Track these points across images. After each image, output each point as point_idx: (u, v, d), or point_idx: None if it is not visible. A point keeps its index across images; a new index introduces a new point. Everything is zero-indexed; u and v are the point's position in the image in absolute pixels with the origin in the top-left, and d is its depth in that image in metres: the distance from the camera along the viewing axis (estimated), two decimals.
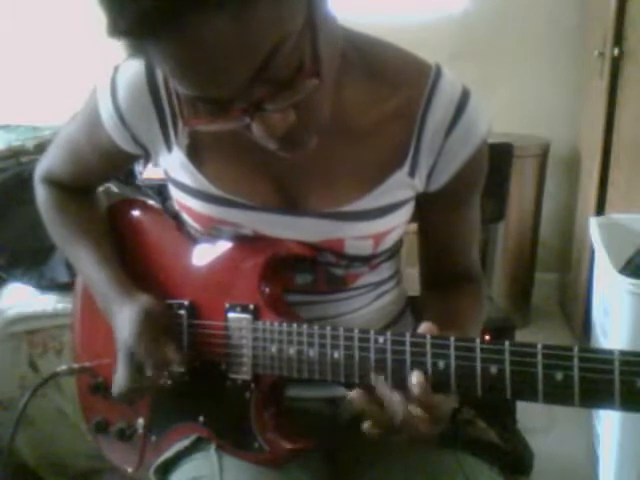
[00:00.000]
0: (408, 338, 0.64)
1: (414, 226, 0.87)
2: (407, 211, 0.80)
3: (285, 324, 0.72)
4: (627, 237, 1.70)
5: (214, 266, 0.82)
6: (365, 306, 0.85)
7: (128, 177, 1.77)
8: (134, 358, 0.77)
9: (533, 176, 2.32)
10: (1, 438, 1.45)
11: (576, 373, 0.55)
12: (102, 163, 0.87)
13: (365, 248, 0.79)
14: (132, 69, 0.76)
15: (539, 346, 0.57)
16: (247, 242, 0.80)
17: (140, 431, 0.87)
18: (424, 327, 0.65)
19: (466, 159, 0.76)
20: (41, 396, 1.48)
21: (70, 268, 1.47)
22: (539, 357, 0.57)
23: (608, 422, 1.50)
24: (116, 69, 0.78)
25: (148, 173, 1.71)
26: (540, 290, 2.57)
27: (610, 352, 0.54)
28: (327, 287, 0.82)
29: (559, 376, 0.56)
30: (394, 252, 0.88)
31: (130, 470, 0.91)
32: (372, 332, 0.66)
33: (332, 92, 0.68)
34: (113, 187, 1.63)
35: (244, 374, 0.77)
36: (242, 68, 0.54)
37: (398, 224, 0.80)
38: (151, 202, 0.99)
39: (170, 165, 0.80)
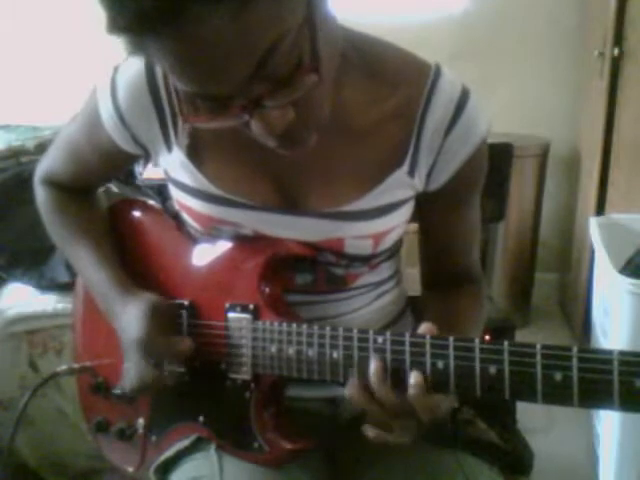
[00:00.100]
0: (407, 338, 0.64)
1: (414, 226, 0.87)
2: (407, 211, 0.80)
3: (285, 324, 0.72)
4: (627, 237, 1.70)
5: (214, 266, 0.82)
6: (365, 306, 0.85)
7: (128, 177, 1.77)
8: (146, 354, 0.76)
9: (533, 176, 2.32)
10: (1, 438, 1.45)
11: (575, 373, 0.55)
12: (102, 163, 0.87)
13: (365, 248, 0.79)
14: (132, 69, 0.76)
15: (538, 346, 0.57)
16: (247, 242, 0.80)
17: (140, 431, 0.87)
18: (424, 327, 0.65)
19: (466, 158, 0.76)
20: (41, 396, 1.48)
21: (70, 268, 1.46)
22: (538, 357, 0.57)
23: (608, 422, 1.51)
24: (116, 69, 0.78)
25: (148, 173, 1.71)
26: (540, 290, 2.57)
27: (609, 352, 0.54)
28: (327, 287, 0.82)
29: (558, 376, 0.56)
30: (394, 252, 0.88)
31: (130, 470, 0.91)
32: (371, 332, 0.66)
33: (332, 91, 0.68)
34: (113, 187, 1.63)
35: (244, 374, 0.77)
36: (241, 65, 0.54)
37: (398, 224, 0.80)
38: (151, 202, 0.99)
39: (170, 165, 0.80)
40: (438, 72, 0.74)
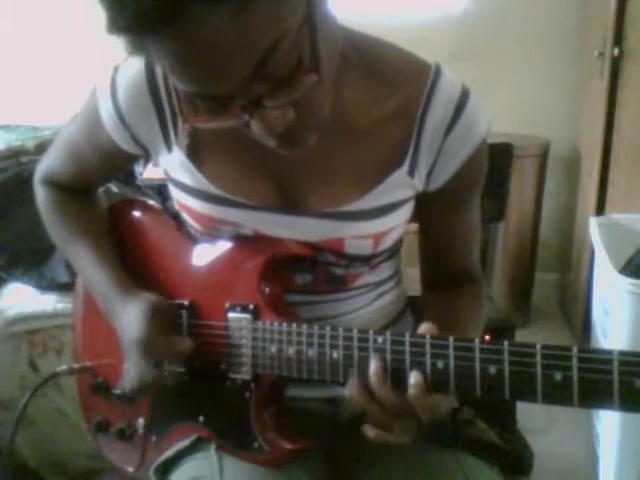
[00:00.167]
0: (407, 338, 0.64)
1: (414, 226, 0.87)
2: (407, 211, 0.80)
3: (285, 324, 0.72)
4: (627, 237, 1.70)
5: (214, 266, 0.82)
6: (365, 306, 0.85)
7: (128, 177, 1.77)
8: (146, 354, 0.76)
9: (533, 176, 2.32)
10: (1, 438, 1.45)
11: (575, 373, 0.55)
12: (102, 163, 0.87)
13: (365, 248, 0.79)
14: (132, 69, 0.76)
15: (538, 346, 0.57)
16: (247, 242, 0.80)
17: (140, 431, 0.87)
18: (424, 327, 0.65)
19: (466, 158, 0.76)
20: (41, 396, 1.48)
21: (70, 268, 1.47)
22: (538, 357, 0.57)
23: (608, 422, 1.51)
24: (116, 69, 0.78)
25: (148, 173, 1.71)
26: (540, 290, 2.57)
27: (609, 352, 0.54)
28: (327, 287, 0.82)
29: (558, 376, 0.56)
30: (394, 252, 0.88)
31: (130, 470, 0.91)
32: (371, 332, 0.66)
33: (332, 91, 0.68)
34: (113, 187, 1.63)
35: (244, 374, 0.77)
36: (241, 64, 0.54)
37: (398, 224, 0.80)
38: (151, 202, 0.99)
39: (170, 165, 0.80)
40: (438, 72, 0.74)
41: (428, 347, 0.63)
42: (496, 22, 2.45)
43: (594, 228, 1.67)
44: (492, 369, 0.59)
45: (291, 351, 0.72)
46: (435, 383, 0.62)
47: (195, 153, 0.78)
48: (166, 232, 0.89)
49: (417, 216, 0.84)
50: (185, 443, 0.82)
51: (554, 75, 2.46)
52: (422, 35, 2.26)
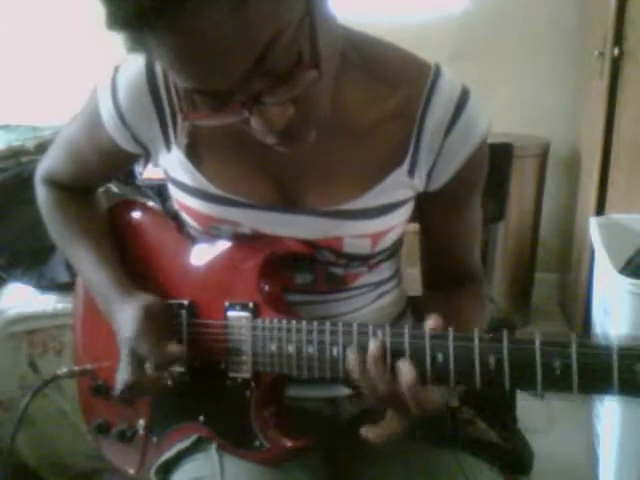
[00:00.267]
0: (407, 331, 0.64)
1: (414, 226, 0.87)
2: (406, 211, 0.80)
3: (284, 321, 0.72)
4: (627, 237, 1.70)
5: (213, 265, 0.82)
6: (365, 306, 0.85)
7: (128, 177, 1.77)
8: (137, 355, 0.77)
9: (533, 176, 2.32)
10: (1, 438, 1.45)
11: (574, 361, 0.55)
12: (102, 163, 0.87)
13: (363, 247, 0.79)
14: (132, 69, 0.76)
15: (537, 336, 0.57)
16: (246, 241, 0.80)
17: (141, 432, 0.87)
18: (432, 322, 0.65)
19: (466, 158, 0.76)
20: (42, 396, 1.47)
21: (70, 268, 1.46)
22: (537, 346, 0.57)
23: (608, 422, 1.51)
24: (116, 69, 0.78)
25: (148, 173, 1.71)
26: (540, 290, 2.57)
27: (608, 342, 0.54)
28: (327, 287, 0.82)
29: (557, 364, 0.56)
30: (393, 252, 0.88)
31: (131, 471, 0.91)
32: (370, 327, 0.66)
33: (331, 90, 0.68)
34: (113, 187, 1.63)
35: (244, 372, 0.77)
36: (240, 59, 0.54)
37: (397, 224, 0.80)
38: (151, 203, 0.99)
39: (169, 164, 0.80)
40: (438, 72, 0.74)
41: (427, 340, 0.63)
42: (496, 22, 2.45)
43: (594, 228, 1.67)
44: (491, 359, 0.59)
45: (291, 348, 0.72)
46: (435, 375, 0.62)
47: (194, 152, 0.78)
48: (165, 233, 0.89)
49: (418, 216, 0.84)
50: (186, 443, 0.82)
51: (554, 75, 2.46)
52: (422, 35, 2.26)
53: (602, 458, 1.57)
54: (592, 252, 1.77)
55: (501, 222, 1.38)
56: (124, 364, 0.78)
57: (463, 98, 0.74)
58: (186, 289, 0.83)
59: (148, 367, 0.77)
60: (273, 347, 0.73)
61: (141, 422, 0.87)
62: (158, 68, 0.75)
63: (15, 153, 1.82)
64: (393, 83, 0.74)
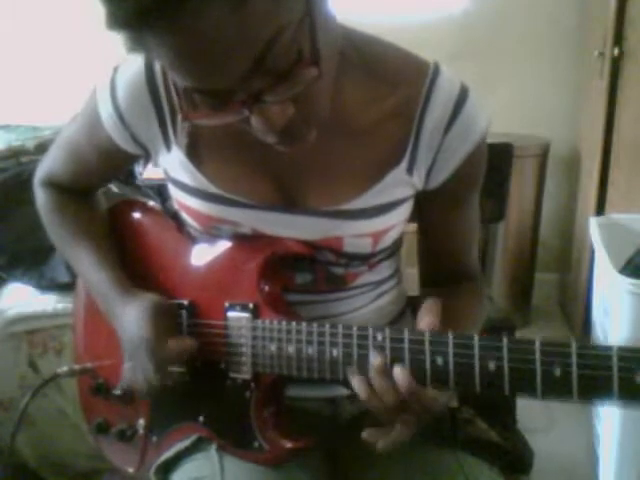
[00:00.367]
0: (407, 335, 0.64)
1: (413, 226, 0.87)
2: (406, 210, 0.80)
3: (284, 322, 0.72)
4: (627, 237, 1.70)
5: (213, 265, 0.82)
6: (365, 306, 0.85)
7: (128, 177, 1.77)
8: (151, 354, 0.76)
9: (533, 176, 2.32)
10: (1, 438, 1.45)
11: (574, 369, 0.55)
12: (102, 163, 0.87)
13: (364, 246, 0.79)
14: (131, 69, 0.76)
15: (537, 342, 0.57)
16: (246, 241, 0.80)
17: (141, 432, 0.87)
18: (425, 322, 0.65)
19: (465, 156, 0.76)
20: (42, 396, 1.47)
21: (70, 268, 1.46)
22: (537, 353, 0.57)
23: (608, 422, 1.50)
24: (115, 69, 0.78)
25: (148, 173, 1.71)
26: (540, 290, 2.57)
27: (608, 348, 0.54)
28: (327, 286, 0.82)
29: (557, 372, 0.56)
30: (393, 251, 0.88)
31: (131, 470, 0.91)
32: (371, 329, 0.66)
33: (331, 89, 0.68)
34: (113, 187, 1.63)
35: (244, 373, 0.77)
36: (240, 58, 0.54)
37: (397, 222, 0.80)
38: (151, 203, 0.99)
39: (169, 164, 0.80)
40: (437, 70, 0.74)
41: (427, 344, 0.63)
42: (496, 22, 2.45)
43: (594, 228, 1.67)
44: (491, 365, 0.59)
45: (291, 349, 0.72)
46: (435, 379, 0.62)
47: (194, 152, 0.78)
48: (165, 233, 0.89)
49: (417, 215, 0.84)
50: (186, 443, 0.82)
51: (554, 75, 2.46)
52: (422, 35, 2.26)
53: (602, 458, 1.57)
54: (592, 252, 1.77)
55: (501, 222, 1.37)
56: (141, 366, 0.77)
57: (462, 96, 0.74)
58: (186, 289, 0.83)
59: (165, 364, 0.76)
60: (273, 348, 0.73)
61: (141, 422, 0.87)
62: (157, 68, 0.75)
63: (15, 153, 1.82)
64: (393, 82, 0.74)
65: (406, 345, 0.64)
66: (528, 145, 2.26)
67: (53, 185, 0.92)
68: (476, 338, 0.60)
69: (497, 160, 1.05)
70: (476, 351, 0.60)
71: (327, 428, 0.86)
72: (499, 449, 0.84)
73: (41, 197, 0.92)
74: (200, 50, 0.53)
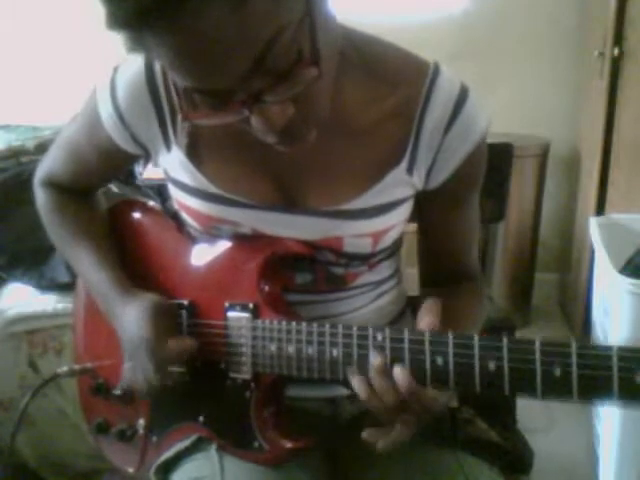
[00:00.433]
0: (407, 335, 0.64)
1: (413, 226, 0.87)
2: (406, 210, 0.80)
3: (284, 322, 0.72)
4: (627, 237, 1.70)
5: (213, 265, 0.82)
6: (365, 305, 0.85)
7: (128, 177, 1.77)
8: (152, 355, 0.76)
9: (533, 176, 2.32)
10: (1, 438, 1.45)
11: (574, 369, 0.55)
12: (102, 163, 0.87)
13: (364, 246, 0.79)
14: (131, 69, 0.76)
15: (537, 342, 0.57)
16: (246, 241, 0.80)
17: (141, 432, 0.87)
18: (425, 322, 0.65)
19: (465, 156, 0.76)
20: (42, 396, 1.47)
21: (70, 268, 1.46)
22: (537, 353, 0.57)
23: (608, 422, 1.51)
24: (115, 70, 0.78)
25: (148, 173, 1.71)
26: (540, 290, 2.57)
27: (608, 348, 0.54)
28: (327, 286, 0.82)
29: (557, 372, 0.56)
30: (393, 251, 0.88)
31: (131, 470, 0.91)
32: (371, 329, 0.66)
33: (331, 89, 0.68)
34: (113, 187, 1.63)
35: (244, 373, 0.77)
36: (240, 58, 0.54)
37: (397, 222, 0.80)
38: (151, 203, 0.99)
39: (169, 164, 0.80)
40: (437, 70, 0.74)
41: (427, 344, 0.63)
42: (496, 22, 2.45)
43: (594, 228, 1.67)
44: (491, 365, 0.59)
45: (291, 349, 0.72)
46: (435, 379, 0.62)
47: (194, 152, 0.78)
48: (166, 232, 0.89)
49: (416, 215, 0.84)
50: (186, 443, 0.82)
51: (554, 75, 2.46)
52: (422, 35, 2.26)
53: (602, 458, 1.57)
54: (592, 252, 1.77)
55: (501, 222, 1.37)
56: (141, 366, 0.77)
57: (462, 96, 0.74)
58: (186, 289, 0.83)
59: (166, 364, 0.76)
60: (273, 348, 0.73)
61: (141, 422, 0.87)
62: (157, 68, 0.75)
63: (15, 153, 1.82)
64: (393, 82, 0.74)
65: (406, 345, 0.64)
66: (528, 145, 2.26)
67: (53, 185, 0.92)
68: (476, 338, 0.60)
69: (497, 160, 1.05)
70: (476, 351, 0.60)
71: (327, 428, 0.86)
72: (499, 449, 0.84)
73: (41, 197, 0.92)
74: (200, 50, 0.53)
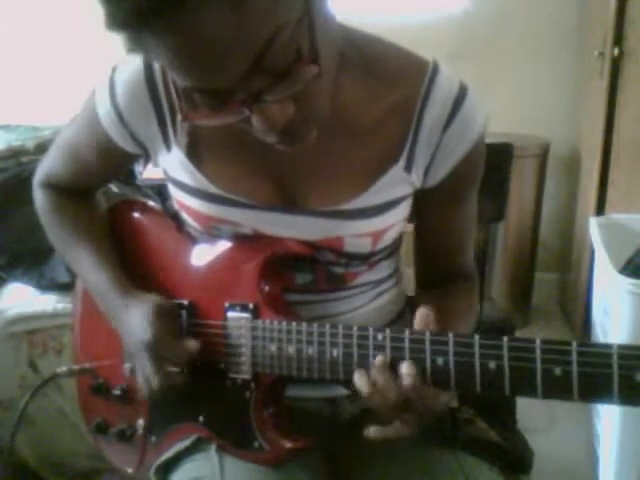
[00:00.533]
0: (407, 335, 0.64)
1: (412, 226, 0.87)
2: (405, 209, 0.80)
3: (284, 322, 0.72)
4: (627, 237, 1.70)
5: (214, 266, 0.82)
6: (364, 305, 0.85)
7: (128, 177, 1.77)
8: (155, 356, 0.75)
9: (533, 176, 2.32)
10: (1, 438, 1.45)
11: (575, 368, 0.55)
12: (101, 163, 0.87)
13: (364, 246, 0.79)
14: (130, 67, 0.76)
15: (537, 341, 0.57)
16: (246, 241, 0.80)
17: (140, 432, 0.87)
18: (420, 313, 0.65)
19: (463, 154, 0.76)
20: (41, 396, 1.48)
21: (70, 268, 1.46)
22: (537, 352, 0.57)
23: (608, 421, 1.50)
24: (114, 69, 0.78)
25: (148, 173, 1.71)
26: (540, 290, 2.57)
27: (608, 346, 0.54)
28: (327, 286, 0.82)
29: (558, 371, 0.56)
30: (393, 250, 0.88)
31: (130, 471, 0.91)
32: (371, 329, 0.66)
33: (331, 89, 0.68)
34: (113, 187, 1.63)
35: (244, 373, 0.77)
36: (240, 58, 0.54)
37: (396, 221, 0.80)
38: (151, 203, 0.99)
39: (169, 164, 0.80)
40: (436, 69, 0.74)
41: (428, 343, 0.63)
42: (496, 22, 2.45)
43: (594, 228, 1.67)
44: (492, 365, 0.59)
45: (291, 350, 0.72)
46: (435, 380, 0.62)
47: (194, 152, 0.77)
48: (165, 232, 0.89)
49: (414, 215, 0.84)
50: (185, 443, 0.82)
51: (554, 75, 2.46)
52: (422, 35, 2.26)
53: (602, 458, 1.57)
54: (592, 252, 1.77)
55: (501, 222, 1.37)
56: (148, 367, 0.76)
57: (461, 94, 0.74)
58: (186, 289, 0.83)
59: (172, 364, 0.76)
60: (273, 348, 0.73)
61: (140, 422, 0.87)
62: (156, 66, 0.75)
63: (15, 153, 1.82)
64: (392, 81, 0.74)
65: (407, 345, 0.64)
66: (528, 145, 2.26)
67: (52, 186, 0.92)
68: (476, 338, 0.60)
69: (497, 160, 1.06)
70: (476, 350, 0.60)
71: (327, 428, 0.86)
72: (499, 449, 0.84)
73: (40, 198, 0.92)
74: (199, 49, 0.53)
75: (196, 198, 0.79)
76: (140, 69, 0.75)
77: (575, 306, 2.30)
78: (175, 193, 0.83)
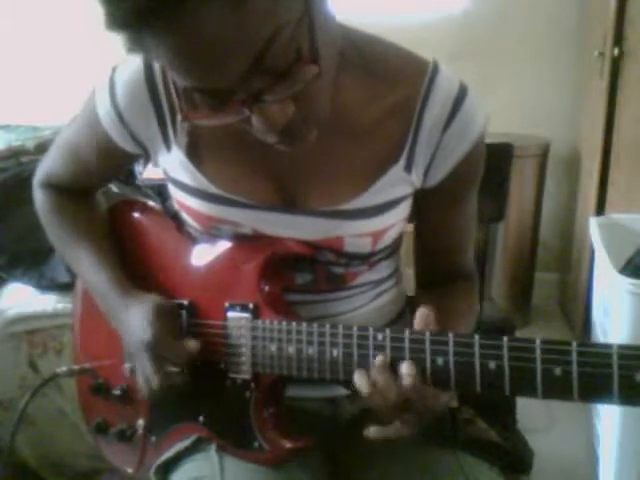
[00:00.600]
0: (407, 335, 0.64)
1: (412, 226, 0.87)
2: (405, 209, 0.80)
3: (284, 323, 0.72)
4: (627, 237, 1.70)
5: (214, 266, 0.82)
6: (364, 305, 0.85)
7: (128, 177, 1.77)
8: (155, 356, 0.75)
9: (533, 176, 2.32)
10: (1, 438, 1.45)
11: (575, 368, 0.55)
12: (101, 163, 0.87)
13: (364, 246, 0.79)
14: (130, 67, 0.76)
15: (537, 341, 0.57)
16: (246, 241, 0.80)
17: (140, 432, 0.87)
18: (420, 313, 0.65)
19: (463, 154, 0.76)
20: (41, 396, 1.48)
21: (70, 268, 1.46)
22: (537, 352, 0.57)
23: (608, 421, 1.50)
24: (114, 69, 0.78)
25: (148, 173, 1.71)
26: (540, 290, 2.57)
27: (608, 346, 0.54)
28: (327, 286, 0.82)
29: (558, 371, 0.56)
30: (393, 250, 0.88)
31: (130, 471, 0.91)
32: (371, 329, 0.66)
33: (331, 89, 0.68)
34: (113, 187, 1.63)
35: (244, 373, 0.77)
36: (240, 58, 0.54)
37: (396, 221, 0.80)
38: (151, 203, 0.99)
39: (169, 164, 0.80)
40: (436, 69, 0.74)
41: (428, 343, 0.63)
42: (496, 22, 2.45)
43: (594, 228, 1.67)
44: (492, 365, 0.59)
45: (291, 350, 0.72)
46: (435, 379, 0.62)
47: (194, 152, 0.77)
48: (165, 232, 0.89)
49: (414, 215, 0.84)
50: (185, 443, 0.82)
51: (554, 75, 2.46)
52: (422, 35, 2.26)
53: (602, 458, 1.57)
54: (592, 252, 1.77)
55: (501, 222, 1.37)
56: (148, 367, 0.76)
57: (461, 94, 0.74)
58: (186, 289, 0.83)
59: (172, 364, 0.76)
60: (273, 348, 0.73)
61: (140, 422, 0.87)
62: (156, 66, 0.75)
63: (15, 153, 1.82)
64: (393, 81, 0.74)
65: (407, 345, 0.64)
66: (528, 145, 2.26)
67: (52, 186, 0.92)
68: (476, 337, 0.60)
69: (497, 160, 1.06)
70: (476, 350, 0.60)
71: (327, 428, 0.86)
72: (499, 449, 0.84)
73: (40, 198, 0.92)
74: (199, 49, 0.53)
75: (196, 198, 0.79)
76: (140, 69, 0.75)
77: (575, 306, 2.30)
78: (175, 193, 0.83)
